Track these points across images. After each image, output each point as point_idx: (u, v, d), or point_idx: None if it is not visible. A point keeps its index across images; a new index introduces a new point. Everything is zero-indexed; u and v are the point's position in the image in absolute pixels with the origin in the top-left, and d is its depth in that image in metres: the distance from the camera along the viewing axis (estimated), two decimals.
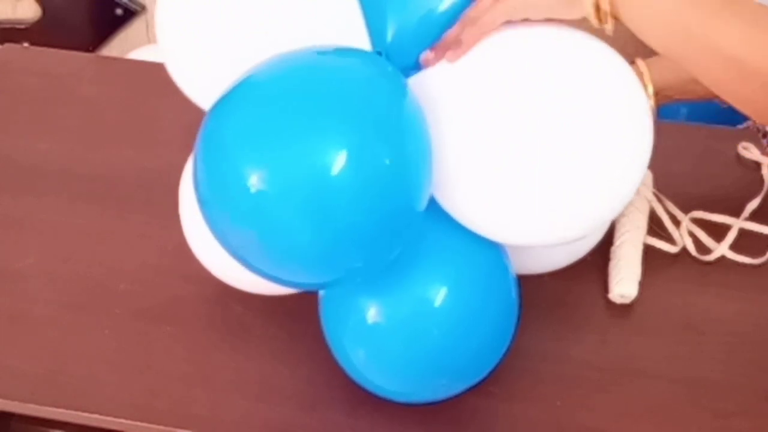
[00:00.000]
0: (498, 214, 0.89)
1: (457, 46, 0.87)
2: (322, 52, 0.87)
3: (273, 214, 0.81)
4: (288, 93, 0.83)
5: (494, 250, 0.95)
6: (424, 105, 0.87)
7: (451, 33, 0.90)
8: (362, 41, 0.93)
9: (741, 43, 0.83)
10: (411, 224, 0.87)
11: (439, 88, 0.89)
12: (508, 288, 0.97)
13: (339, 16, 0.92)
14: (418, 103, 0.87)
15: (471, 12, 0.89)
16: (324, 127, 0.81)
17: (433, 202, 0.91)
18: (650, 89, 1.14)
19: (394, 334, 0.93)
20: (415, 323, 0.93)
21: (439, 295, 0.92)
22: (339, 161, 0.80)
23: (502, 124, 0.86)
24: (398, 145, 0.84)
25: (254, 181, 0.80)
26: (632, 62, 1.06)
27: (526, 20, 0.88)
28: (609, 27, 0.87)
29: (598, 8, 0.86)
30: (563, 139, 0.85)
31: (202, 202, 0.86)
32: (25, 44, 1.52)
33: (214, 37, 0.92)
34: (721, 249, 1.15)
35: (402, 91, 0.87)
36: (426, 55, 0.90)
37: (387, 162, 0.82)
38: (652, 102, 1.15)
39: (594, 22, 0.87)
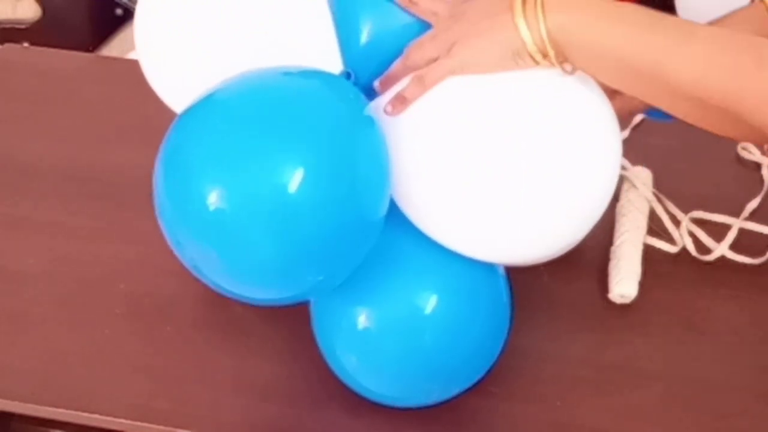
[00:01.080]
0: (463, 232, 0.90)
1: (400, 102, 0.87)
2: (286, 73, 0.88)
3: (231, 230, 0.83)
4: (248, 112, 0.84)
5: None
6: (387, 126, 0.88)
7: (394, 72, 0.89)
8: (334, 58, 0.93)
9: (700, 74, 0.80)
10: (369, 237, 0.89)
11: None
12: (499, 289, 0.97)
13: (313, 38, 0.93)
14: (377, 125, 0.88)
15: (414, 57, 0.88)
16: (281, 146, 0.83)
17: None
18: None
19: (385, 340, 0.94)
20: (405, 328, 0.93)
21: (429, 300, 0.92)
22: (296, 179, 0.81)
23: (462, 144, 0.86)
24: (353, 163, 0.85)
25: (213, 198, 0.82)
26: None
27: None
28: (567, 67, 0.84)
29: (545, 57, 0.83)
30: (526, 158, 0.85)
31: (162, 216, 0.86)
32: (25, 44, 1.52)
33: (190, 46, 0.93)
34: (721, 249, 1.15)
35: (359, 112, 0.88)
36: (376, 85, 0.91)
37: (342, 179, 0.84)
38: None
39: (548, 65, 0.84)
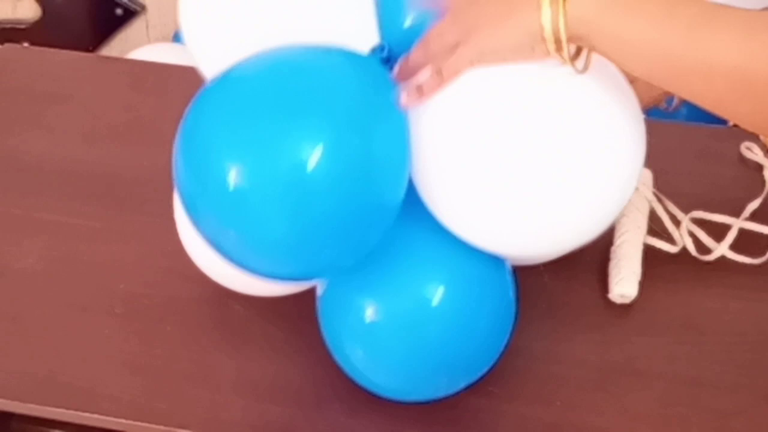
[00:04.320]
0: (482, 224, 0.89)
1: (417, 95, 0.87)
2: (308, 51, 0.88)
3: (250, 207, 0.83)
4: (266, 89, 0.84)
5: None
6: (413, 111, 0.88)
7: (414, 61, 0.88)
8: (370, 31, 0.93)
9: (738, 53, 0.75)
10: (385, 219, 0.89)
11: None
12: (506, 283, 0.97)
13: (350, 7, 0.93)
14: (398, 106, 0.88)
15: (435, 44, 0.87)
16: (299, 123, 0.83)
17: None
18: None
19: (392, 332, 0.94)
20: (412, 321, 0.93)
21: (436, 292, 0.92)
22: (314, 156, 0.81)
23: (483, 133, 0.86)
24: (372, 143, 0.85)
25: (232, 175, 0.82)
26: None
27: None
28: (579, 65, 0.83)
29: (559, 48, 0.81)
30: (550, 146, 0.85)
31: (182, 195, 0.87)
32: (25, 44, 1.52)
33: (232, 21, 0.93)
34: (721, 249, 1.15)
35: (382, 93, 0.87)
36: (395, 73, 0.90)
37: (360, 158, 0.84)
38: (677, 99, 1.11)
39: (559, 59, 0.82)
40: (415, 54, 0.88)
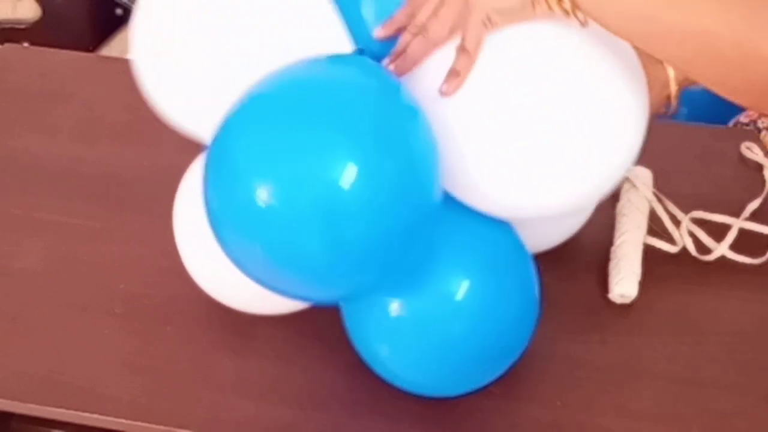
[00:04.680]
0: (488, 182, 0.90)
1: (455, 78, 0.86)
2: (320, 64, 0.88)
3: (282, 228, 0.82)
4: (293, 106, 0.83)
5: (512, 234, 0.97)
6: (421, 99, 0.88)
7: (415, 52, 0.89)
8: (342, 40, 0.93)
9: (713, 18, 0.78)
10: (425, 232, 0.87)
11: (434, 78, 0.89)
12: (530, 279, 0.98)
13: (317, 18, 0.93)
14: (417, 104, 0.87)
15: (434, 28, 0.87)
16: (329, 140, 0.82)
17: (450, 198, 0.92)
18: (671, 74, 1.11)
19: (418, 328, 0.94)
20: (438, 316, 0.93)
21: (462, 286, 0.93)
22: (347, 174, 0.80)
23: (497, 96, 0.87)
24: (404, 153, 0.84)
25: (263, 193, 0.81)
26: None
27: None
28: (581, 17, 0.84)
29: (560, 1, 0.83)
30: (558, 105, 0.86)
31: (212, 219, 0.86)
32: (25, 44, 1.52)
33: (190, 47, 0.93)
34: (721, 249, 1.15)
35: (401, 98, 0.87)
36: (391, 67, 0.90)
37: (394, 171, 0.82)
38: (674, 92, 1.13)
39: (561, 13, 0.84)
40: (416, 45, 0.88)
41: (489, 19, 0.85)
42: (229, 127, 0.85)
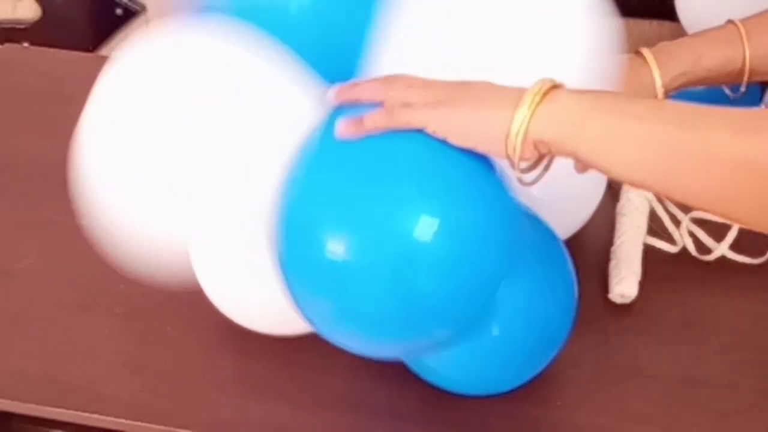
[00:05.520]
0: None
1: (357, 128, 0.82)
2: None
3: (353, 282, 0.81)
4: (363, 158, 0.82)
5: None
6: None
7: (364, 92, 0.84)
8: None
9: (737, 143, 0.72)
10: (496, 286, 0.86)
11: None
12: (570, 280, 0.99)
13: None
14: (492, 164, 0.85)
15: (396, 93, 0.82)
16: (403, 193, 0.80)
17: None
18: (659, 82, 1.11)
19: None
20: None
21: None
22: (422, 228, 0.79)
23: None
24: (476, 205, 0.82)
25: (335, 246, 0.80)
26: (636, 52, 1.03)
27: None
28: (529, 177, 0.81)
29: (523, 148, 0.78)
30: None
31: (282, 262, 0.85)
32: (25, 44, 1.52)
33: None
34: (721, 249, 1.15)
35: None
36: (331, 94, 0.86)
37: (470, 225, 0.81)
38: (660, 95, 1.12)
39: (514, 164, 0.79)
40: (373, 86, 0.84)
41: (438, 129, 0.81)
42: (299, 182, 0.83)
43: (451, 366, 0.98)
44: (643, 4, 1.90)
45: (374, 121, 0.81)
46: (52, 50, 1.51)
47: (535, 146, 0.78)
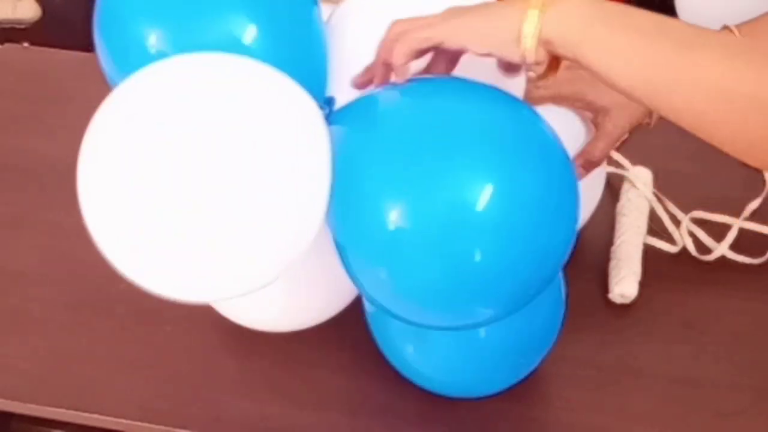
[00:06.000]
0: None
1: (385, 68, 0.84)
2: (431, 83, 0.85)
3: (408, 252, 0.80)
4: (419, 124, 0.81)
5: None
6: None
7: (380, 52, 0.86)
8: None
9: (722, 71, 0.76)
10: (555, 270, 0.86)
11: None
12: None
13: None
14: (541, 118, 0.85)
15: (400, 26, 0.84)
16: (464, 159, 0.79)
17: None
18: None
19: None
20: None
21: None
22: (481, 195, 0.78)
23: None
24: (543, 175, 0.81)
25: (391, 215, 0.79)
26: None
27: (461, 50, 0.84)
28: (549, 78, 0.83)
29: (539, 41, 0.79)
30: None
31: (338, 243, 0.84)
32: (25, 44, 1.52)
33: None
34: (721, 249, 1.15)
35: (522, 110, 0.84)
36: (356, 81, 0.88)
37: (533, 196, 0.80)
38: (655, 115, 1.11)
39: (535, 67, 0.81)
40: (385, 44, 0.85)
41: (454, 34, 0.82)
42: (354, 149, 0.83)
43: (441, 370, 0.98)
44: (643, 5, 1.90)
45: (397, 51, 0.83)
46: (52, 50, 1.51)
47: (545, 47, 0.80)
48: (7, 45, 1.50)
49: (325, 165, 0.81)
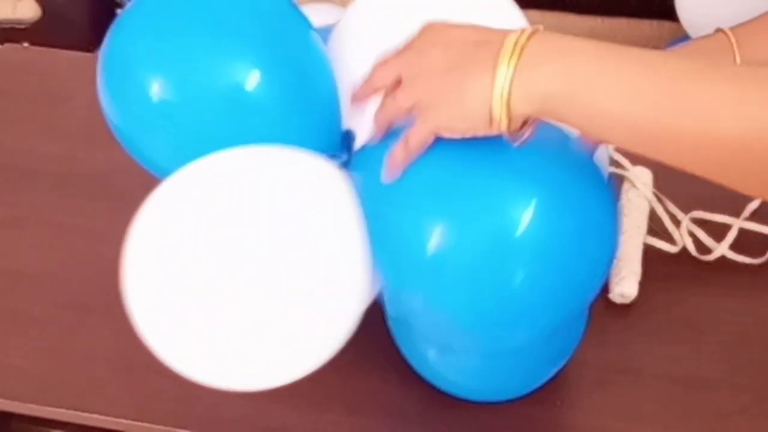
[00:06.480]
0: None
1: (395, 166, 0.83)
2: None
3: (450, 276, 0.80)
4: (463, 149, 0.80)
5: None
6: None
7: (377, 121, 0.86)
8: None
9: (733, 118, 0.66)
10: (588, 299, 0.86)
11: None
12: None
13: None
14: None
15: (389, 108, 0.83)
16: (506, 186, 0.79)
17: None
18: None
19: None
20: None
21: None
22: (521, 220, 0.77)
23: None
24: (590, 202, 0.81)
25: (433, 240, 0.79)
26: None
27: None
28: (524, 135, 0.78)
29: (509, 118, 0.75)
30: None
31: (380, 265, 0.84)
32: (25, 44, 1.52)
33: None
34: (721, 249, 1.15)
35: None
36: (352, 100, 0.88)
37: (571, 224, 0.79)
38: None
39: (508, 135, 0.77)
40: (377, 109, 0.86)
41: (438, 131, 0.80)
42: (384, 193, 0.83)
43: (463, 374, 0.98)
44: (643, 4, 1.90)
45: (402, 158, 0.82)
46: (52, 50, 1.51)
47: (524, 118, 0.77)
48: (7, 45, 1.50)
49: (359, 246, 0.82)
